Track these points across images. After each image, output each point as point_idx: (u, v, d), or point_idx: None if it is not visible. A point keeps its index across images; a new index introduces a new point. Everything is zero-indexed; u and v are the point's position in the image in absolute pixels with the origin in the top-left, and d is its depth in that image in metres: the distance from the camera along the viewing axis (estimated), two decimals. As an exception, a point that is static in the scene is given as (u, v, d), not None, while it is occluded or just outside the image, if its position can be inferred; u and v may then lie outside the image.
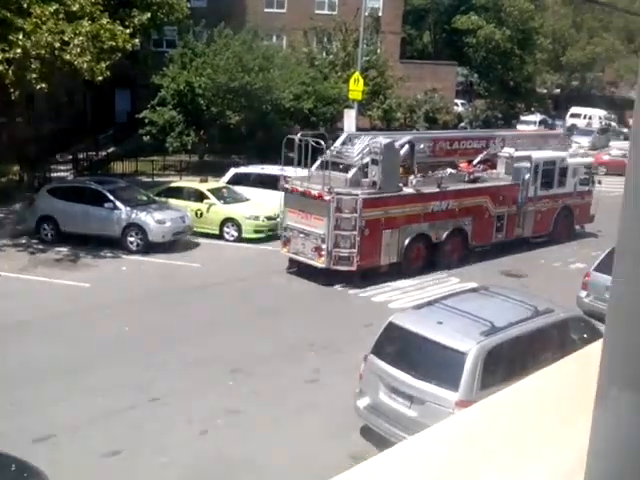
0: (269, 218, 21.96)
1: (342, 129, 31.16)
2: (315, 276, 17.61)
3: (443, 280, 18.34)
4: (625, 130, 48.40)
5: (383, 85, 37.20)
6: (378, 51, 38.88)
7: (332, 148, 18.35)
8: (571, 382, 1.57)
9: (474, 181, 19.92)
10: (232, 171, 24.98)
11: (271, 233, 21.92)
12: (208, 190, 22.71)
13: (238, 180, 24.21)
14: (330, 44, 38.69)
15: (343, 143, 18.82)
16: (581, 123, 52.53)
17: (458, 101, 47.44)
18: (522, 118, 49.03)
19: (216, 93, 30.88)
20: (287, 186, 18.16)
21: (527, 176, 20.59)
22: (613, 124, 54.19)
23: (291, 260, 18.38)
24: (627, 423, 0.89)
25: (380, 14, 41.99)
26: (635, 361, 0.87)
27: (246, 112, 31.67)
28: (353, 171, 17.79)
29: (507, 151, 20.74)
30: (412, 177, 18.50)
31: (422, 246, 18.58)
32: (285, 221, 18.30)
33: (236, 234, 21.85)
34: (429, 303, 10.99)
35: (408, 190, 18.17)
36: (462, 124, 44.27)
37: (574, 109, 54.39)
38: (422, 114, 39.19)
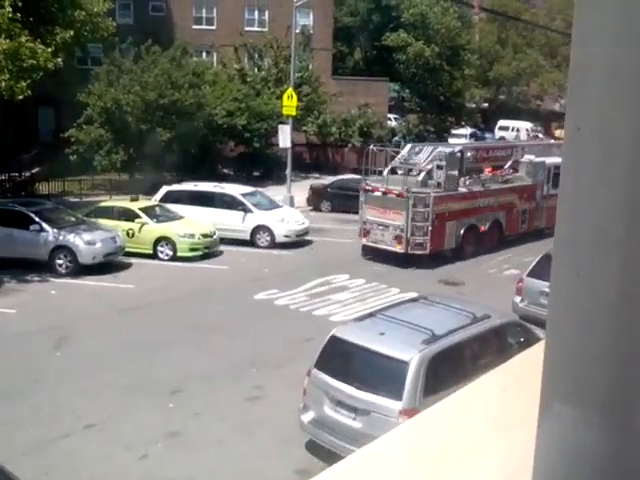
0: (205, 235, 21.63)
1: (277, 145, 31.20)
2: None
3: (384, 291, 18.37)
4: (552, 141, 49.76)
5: (317, 101, 37.38)
6: (310, 67, 39.05)
7: (399, 157, 22.84)
8: (514, 386, 1.57)
9: (506, 182, 23.82)
10: (164, 189, 24.50)
11: (207, 251, 21.59)
12: (139, 209, 22.18)
13: (171, 198, 23.77)
14: (262, 60, 38.71)
15: (408, 153, 22.91)
16: (509, 135, 53.86)
17: (391, 116, 47.96)
18: (453, 131, 49.96)
19: (145, 110, 30.43)
20: (368, 187, 21.80)
21: (542, 178, 24.48)
22: (540, 135, 55.70)
23: (365, 247, 21.97)
24: (569, 438, 0.89)
25: (311, 31, 42.22)
26: (574, 376, 0.87)
27: (177, 129, 31.28)
28: (423, 175, 21.61)
29: (528, 157, 24.83)
30: (462, 179, 22.32)
31: (472, 234, 22.11)
32: (364, 216, 21.73)
33: (171, 253, 21.40)
34: (371, 314, 11.13)
35: (462, 189, 22.04)
36: (396, 138, 44.76)
37: (502, 122, 55.76)
38: (357, 129, 39.46)
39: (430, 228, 20.66)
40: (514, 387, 1.56)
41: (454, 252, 21.62)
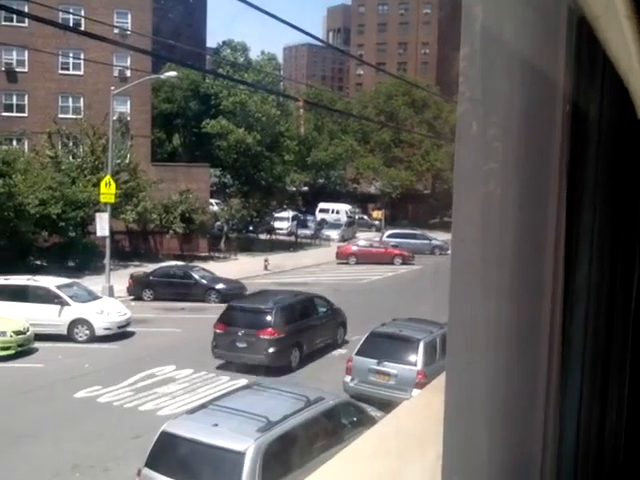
0: (17, 332, 20.12)
1: (94, 233, 30.16)
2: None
3: (213, 380, 17.88)
4: (377, 222, 52.50)
5: (136, 188, 36.81)
6: (128, 155, 38.57)
7: None
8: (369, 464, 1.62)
9: None
10: (-30, 285, 22.65)
11: (21, 349, 20.06)
12: (-58, 307, 20.34)
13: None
14: (77, 148, 37.71)
15: None
16: (330, 217, 56.10)
17: (213, 201, 48.29)
18: (276, 215, 51.11)
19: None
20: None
21: None
22: (365, 217, 58.67)
23: None
24: None
25: (129, 118, 41.96)
26: (467, 456, 0.97)
27: (-15, 220, 29.41)
28: None
29: None
30: None
31: None
32: None
33: (-22, 353, 19.62)
34: (202, 406, 11.01)
35: None
36: (218, 223, 44.97)
37: (322, 205, 58.11)
38: (178, 215, 39.21)
39: None
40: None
41: None
